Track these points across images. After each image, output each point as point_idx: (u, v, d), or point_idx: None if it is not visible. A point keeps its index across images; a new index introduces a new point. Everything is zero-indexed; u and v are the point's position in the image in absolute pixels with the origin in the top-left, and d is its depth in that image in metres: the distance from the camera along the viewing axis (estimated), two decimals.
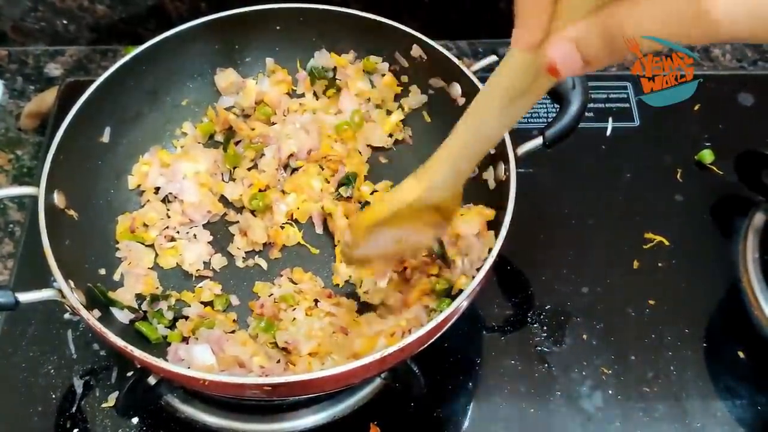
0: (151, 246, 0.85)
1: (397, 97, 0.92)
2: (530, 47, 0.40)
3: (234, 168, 0.90)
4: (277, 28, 0.91)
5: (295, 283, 0.82)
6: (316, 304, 0.80)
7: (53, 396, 0.78)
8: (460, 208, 0.64)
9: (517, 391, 0.79)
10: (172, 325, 0.79)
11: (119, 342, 0.63)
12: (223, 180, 0.90)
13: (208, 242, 0.86)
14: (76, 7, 1.06)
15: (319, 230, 0.87)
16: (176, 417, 0.77)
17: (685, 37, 0.34)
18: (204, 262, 0.85)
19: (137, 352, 0.62)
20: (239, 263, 0.85)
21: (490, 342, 0.82)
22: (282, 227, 0.86)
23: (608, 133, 0.98)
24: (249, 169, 0.90)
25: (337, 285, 0.83)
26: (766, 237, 0.87)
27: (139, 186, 0.88)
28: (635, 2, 0.35)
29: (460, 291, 0.68)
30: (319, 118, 0.91)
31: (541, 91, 0.48)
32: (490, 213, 0.77)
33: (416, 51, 0.87)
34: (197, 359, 0.72)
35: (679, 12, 0.33)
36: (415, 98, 0.91)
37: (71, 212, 0.77)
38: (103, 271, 0.80)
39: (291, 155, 0.89)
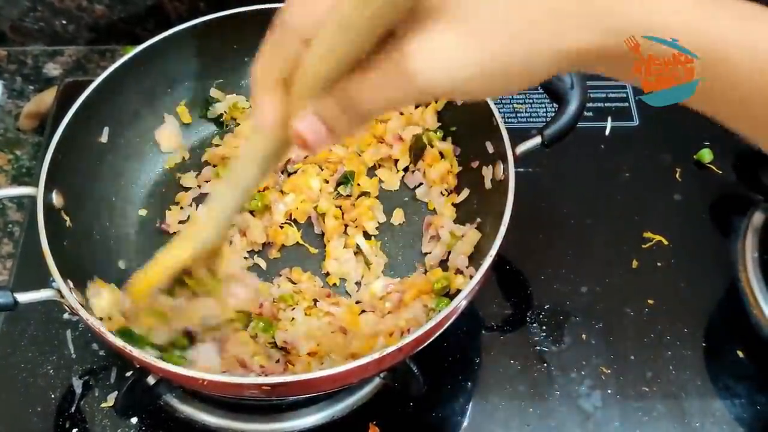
0: None
1: None
2: (270, 127, 0.43)
3: None
4: None
5: (294, 283, 0.82)
6: (315, 304, 0.80)
7: (52, 396, 0.78)
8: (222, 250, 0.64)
9: (516, 390, 0.79)
10: None
11: (118, 342, 0.63)
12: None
13: None
14: (75, 7, 1.06)
15: (317, 230, 0.87)
16: (175, 417, 0.77)
17: (405, 101, 0.39)
18: None
19: (136, 352, 0.62)
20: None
21: (489, 341, 0.82)
22: (281, 227, 0.86)
23: (607, 132, 0.98)
24: None
25: (334, 284, 0.83)
26: (765, 236, 0.87)
27: None
28: (358, 79, 0.38)
29: (458, 291, 0.68)
30: None
31: (285, 156, 0.52)
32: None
33: None
34: (203, 359, 0.72)
35: (388, 82, 0.37)
36: None
37: (69, 212, 0.77)
38: (101, 271, 0.80)
39: (288, 160, 0.89)
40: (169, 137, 0.91)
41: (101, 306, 0.71)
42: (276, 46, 0.42)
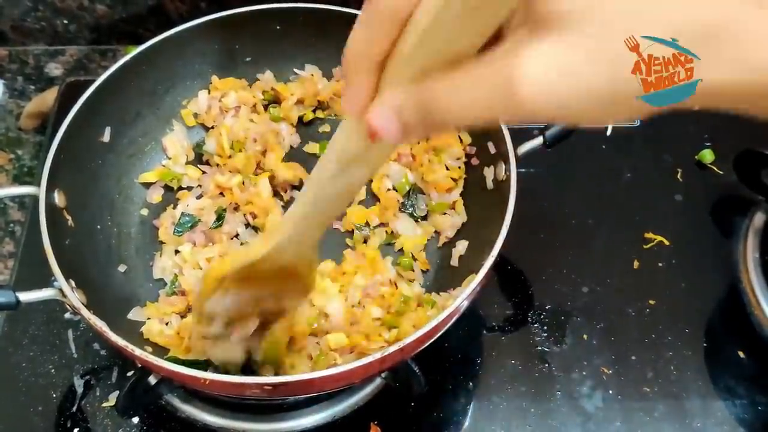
0: None
1: None
2: (356, 113, 0.40)
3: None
4: (277, 27, 0.91)
5: None
6: None
7: (54, 395, 0.78)
8: (314, 278, 0.64)
9: (517, 390, 0.79)
10: None
11: (120, 341, 0.63)
12: None
13: None
14: (76, 6, 1.06)
15: None
16: (176, 416, 0.77)
17: (494, 117, 0.35)
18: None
19: (138, 352, 0.62)
20: None
21: (490, 342, 0.82)
22: None
23: (608, 133, 0.98)
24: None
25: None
26: (766, 237, 0.87)
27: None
28: (452, 83, 0.35)
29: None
30: None
31: (377, 160, 0.47)
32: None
33: None
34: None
35: (487, 93, 0.34)
36: None
37: (71, 211, 0.77)
38: (103, 270, 0.80)
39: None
40: (176, 144, 0.91)
41: (151, 329, 0.73)
42: (368, 25, 0.38)
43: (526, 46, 0.33)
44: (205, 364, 0.72)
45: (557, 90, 0.33)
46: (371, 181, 0.89)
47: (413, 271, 0.82)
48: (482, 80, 0.34)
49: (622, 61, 0.33)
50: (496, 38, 0.35)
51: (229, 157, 0.89)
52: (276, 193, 0.88)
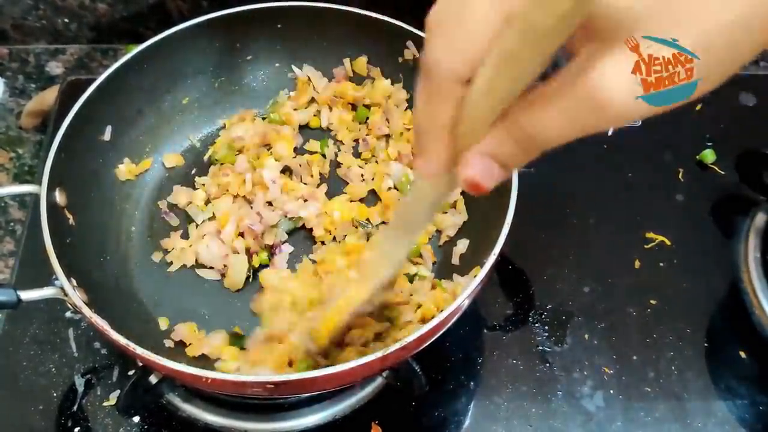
0: None
1: None
2: (435, 175, 0.42)
3: None
4: (279, 26, 0.91)
5: None
6: None
7: (54, 394, 0.78)
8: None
9: (518, 390, 0.79)
10: None
11: (122, 340, 0.63)
12: None
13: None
14: (77, 5, 1.06)
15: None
16: (177, 416, 0.77)
17: (589, 129, 0.37)
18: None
19: (139, 350, 0.62)
20: None
21: (491, 341, 0.82)
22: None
23: (610, 132, 0.98)
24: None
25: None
26: (767, 237, 0.87)
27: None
28: (535, 110, 0.37)
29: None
30: None
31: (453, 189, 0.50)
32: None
33: (414, 48, 0.88)
34: None
35: (577, 111, 0.36)
36: None
37: (72, 210, 0.77)
38: (104, 269, 0.80)
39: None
40: (174, 158, 0.92)
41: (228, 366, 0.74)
42: (434, 93, 0.39)
43: (600, 58, 0.35)
44: None
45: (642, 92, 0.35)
46: (372, 178, 0.89)
47: (421, 257, 0.84)
48: (569, 101, 0.36)
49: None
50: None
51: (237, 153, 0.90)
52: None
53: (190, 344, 0.77)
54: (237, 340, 0.77)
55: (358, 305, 0.63)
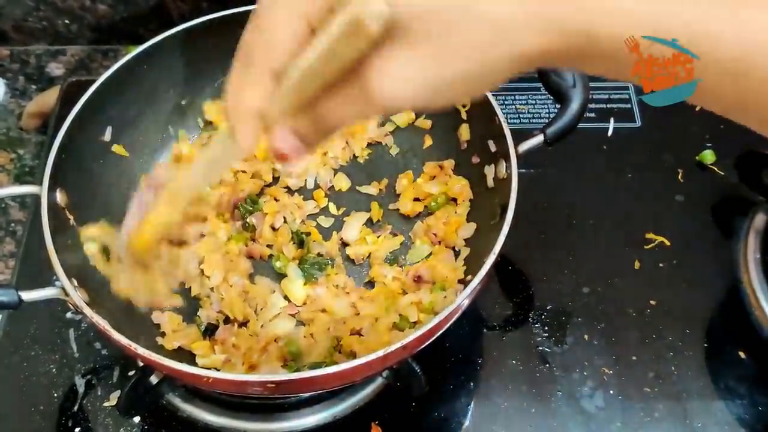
0: None
1: None
2: (249, 151, 0.47)
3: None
4: None
5: None
6: None
7: (55, 395, 0.78)
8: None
9: (518, 390, 0.79)
10: None
11: (123, 340, 0.63)
12: None
13: None
14: (78, 6, 1.06)
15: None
16: (178, 416, 0.77)
17: (369, 117, 0.46)
18: None
19: (140, 350, 0.62)
20: None
21: (491, 342, 0.82)
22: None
23: (609, 133, 0.98)
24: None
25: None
26: (766, 237, 0.87)
27: None
28: (328, 97, 0.41)
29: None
30: None
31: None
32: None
33: None
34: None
35: (355, 100, 0.40)
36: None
37: (73, 211, 0.77)
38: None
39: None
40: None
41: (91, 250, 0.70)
42: (246, 81, 0.44)
43: (374, 59, 0.39)
44: None
45: (404, 89, 0.39)
46: None
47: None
48: (348, 95, 0.41)
49: (447, 57, 0.39)
50: None
51: None
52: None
53: (167, 334, 0.78)
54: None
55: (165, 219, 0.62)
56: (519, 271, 0.87)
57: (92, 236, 0.69)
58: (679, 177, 0.95)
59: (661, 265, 0.87)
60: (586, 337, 0.82)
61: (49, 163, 0.74)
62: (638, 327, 0.83)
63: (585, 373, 0.80)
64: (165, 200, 0.61)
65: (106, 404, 0.77)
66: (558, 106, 0.76)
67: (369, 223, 0.88)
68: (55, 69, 1.09)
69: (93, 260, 0.68)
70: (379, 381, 0.77)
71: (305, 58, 0.40)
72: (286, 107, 0.44)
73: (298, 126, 0.44)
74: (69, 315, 0.82)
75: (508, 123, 0.77)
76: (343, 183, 0.91)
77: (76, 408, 0.77)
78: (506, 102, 1.01)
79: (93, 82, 0.81)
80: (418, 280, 0.80)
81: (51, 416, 0.77)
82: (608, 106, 1.01)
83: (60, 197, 0.75)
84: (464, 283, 0.79)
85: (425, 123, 0.93)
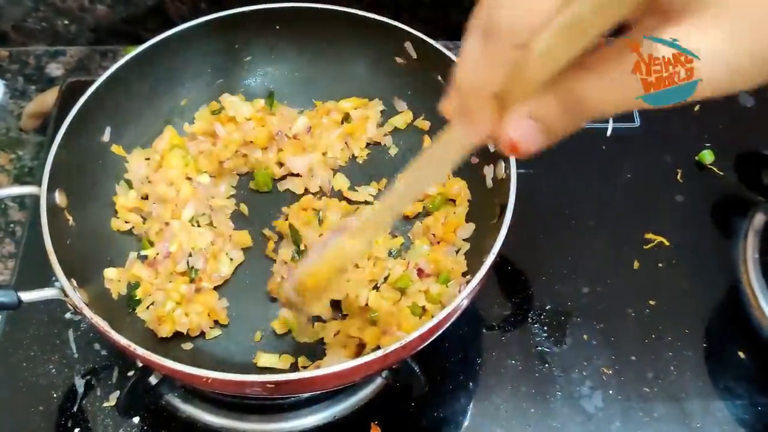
0: None
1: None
2: (480, 140, 0.42)
3: None
4: (277, 27, 0.91)
5: None
6: None
7: (54, 395, 0.78)
8: None
9: (517, 390, 0.79)
10: None
11: (122, 340, 0.63)
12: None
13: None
14: (77, 7, 1.06)
15: None
16: (177, 416, 0.77)
17: (635, 105, 0.37)
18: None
19: (140, 350, 0.62)
20: None
21: (490, 342, 0.82)
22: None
23: (608, 133, 0.98)
24: None
25: None
26: (766, 237, 0.87)
27: None
28: (590, 77, 0.37)
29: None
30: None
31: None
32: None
33: (412, 49, 0.88)
34: None
35: (632, 84, 0.36)
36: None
37: (72, 211, 0.77)
38: (104, 270, 0.80)
39: None
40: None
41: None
42: (487, 55, 0.38)
43: (661, 33, 0.35)
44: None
45: (714, 69, 0.35)
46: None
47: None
48: (624, 72, 0.36)
49: (756, 30, 0.35)
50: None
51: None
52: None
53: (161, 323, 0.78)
54: None
55: (351, 257, 0.60)
56: (518, 271, 0.87)
57: None
58: (679, 177, 0.95)
59: (660, 265, 0.87)
60: (585, 337, 0.82)
61: (48, 164, 0.74)
62: (637, 327, 0.83)
63: (584, 373, 0.80)
64: (351, 234, 0.59)
65: (105, 405, 0.77)
66: None
67: None
68: (55, 69, 1.10)
69: None
70: (379, 381, 0.77)
71: (568, 16, 0.35)
72: (532, 86, 0.38)
73: (542, 110, 0.38)
74: (68, 315, 0.82)
75: None
76: (342, 183, 0.91)
77: (75, 408, 0.77)
78: None
79: (92, 82, 0.81)
80: (420, 273, 0.80)
81: (50, 416, 0.77)
82: None
83: (59, 198, 0.75)
84: (467, 274, 0.79)
85: (424, 124, 0.93)
